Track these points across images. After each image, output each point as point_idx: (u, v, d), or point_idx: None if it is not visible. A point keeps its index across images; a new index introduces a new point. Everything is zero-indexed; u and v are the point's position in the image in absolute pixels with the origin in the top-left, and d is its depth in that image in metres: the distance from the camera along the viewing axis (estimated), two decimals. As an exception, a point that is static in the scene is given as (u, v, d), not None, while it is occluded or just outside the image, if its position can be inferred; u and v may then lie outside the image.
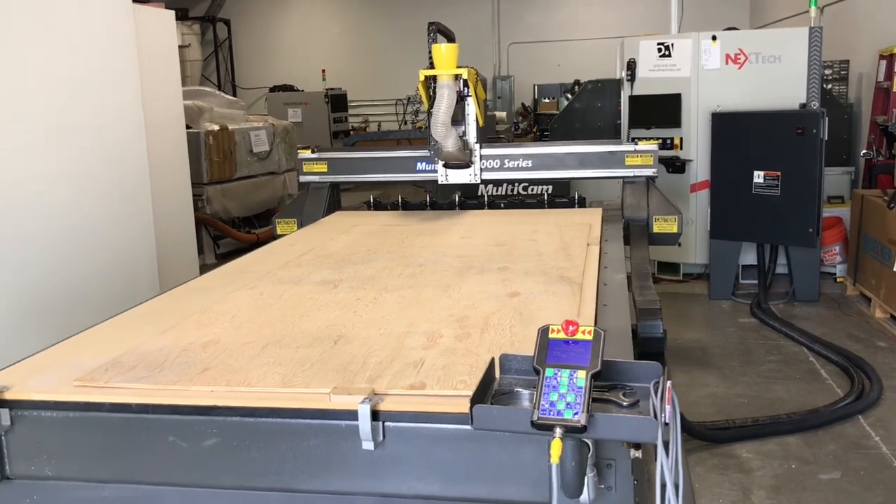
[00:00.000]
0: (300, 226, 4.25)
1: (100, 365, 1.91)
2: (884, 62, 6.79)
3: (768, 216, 5.47)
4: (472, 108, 4.11)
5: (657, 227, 4.07)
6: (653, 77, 6.04)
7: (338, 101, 14.20)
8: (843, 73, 7.61)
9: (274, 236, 4.40)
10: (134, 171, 4.50)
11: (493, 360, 1.40)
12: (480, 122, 4.23)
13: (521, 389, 1.30)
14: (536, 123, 12.95)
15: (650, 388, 1.23)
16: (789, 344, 4.78)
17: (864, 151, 6.48)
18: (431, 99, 3.97)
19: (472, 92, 4.03)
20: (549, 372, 1.21)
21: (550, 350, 1.26)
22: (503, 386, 1.34)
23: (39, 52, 3.93)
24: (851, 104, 7.46)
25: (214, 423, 1.69)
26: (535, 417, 1.20)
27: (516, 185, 6.27)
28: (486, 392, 1.31)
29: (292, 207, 4.62)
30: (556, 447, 1.18)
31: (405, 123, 16.13)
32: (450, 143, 3.99)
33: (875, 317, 5.21)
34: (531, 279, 2.59)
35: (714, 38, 5.85)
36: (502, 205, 4.38)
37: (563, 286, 2.49)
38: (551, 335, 1.28)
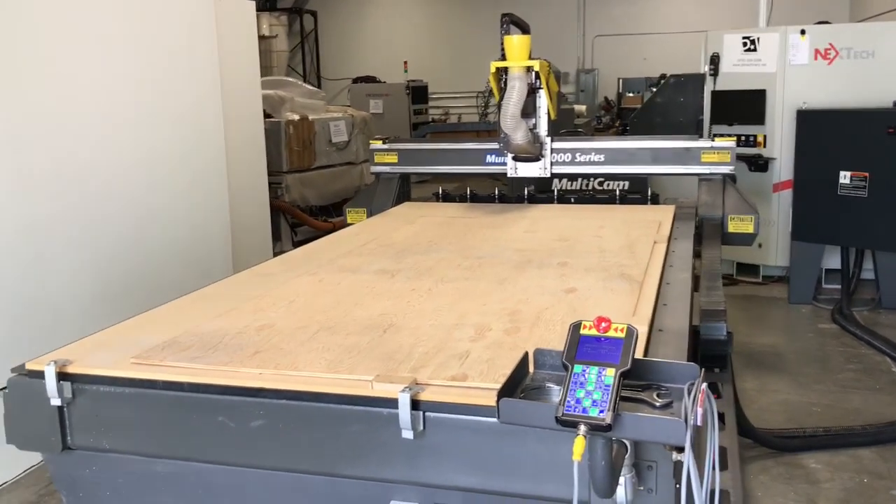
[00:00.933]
0: (370, 215, 4.30)
1: (157, 344, 1.97)
2: None
3: (854, 218, 5.23)
4: (543, 100, 4.07)
5: (732, 227, 3.95)
6: (737, 72, 5.85)
7: (418, 93, 14.28)
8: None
9: (345, 225, 4.47)
10: (211, 159, 4.63)
11: (526, 355, 1.38)
12: (552, 115, 4.18)
13: (551, 385, 1.28)
14: (620, 118, 12.73)
15: (685, 389, 1.19)
16: (871, 353, 4.57)
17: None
18: (502, 91, 3.95)
19: (543, 84, 3.99)
20: (577, 368, 1.19)
21: (581, 346, 1.23)
22: (535, 381, 1.32)
23: (121, 44, 4.08)
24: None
25: (261, 404, 1.73)
26: (559, 413, 1.18)
27: (591, 180, 6.17)
28: (517, 386, 1.29)
29: (363, 197, 4.67)
30: (579, 445, 1.16)
31: (485, 116, 16.10)
32: (519, 136, 3.96)
33: (967, 328, 4.94)
34: (590, 275, 2.55)
35: (803, 32, 5.63)
36: (572, 199, 4.32)
37: (622, 283, 2.44)
38: (583, 331, 1.25)
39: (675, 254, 2.99)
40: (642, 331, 2.00)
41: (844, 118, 5.30)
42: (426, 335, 1.98)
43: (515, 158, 4.20)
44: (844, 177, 5.22)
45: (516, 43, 3.88)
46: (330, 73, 17.10)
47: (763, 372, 4.40)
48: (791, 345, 4.82)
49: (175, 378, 1.79)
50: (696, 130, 7.06)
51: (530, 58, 3.90)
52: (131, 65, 4.10)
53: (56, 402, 1.83)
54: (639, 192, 4.98)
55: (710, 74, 5.98)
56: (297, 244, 8.34)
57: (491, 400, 1.59)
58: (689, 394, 1.16)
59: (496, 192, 4.45)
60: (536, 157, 4.14)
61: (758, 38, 5.75)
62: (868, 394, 4.07)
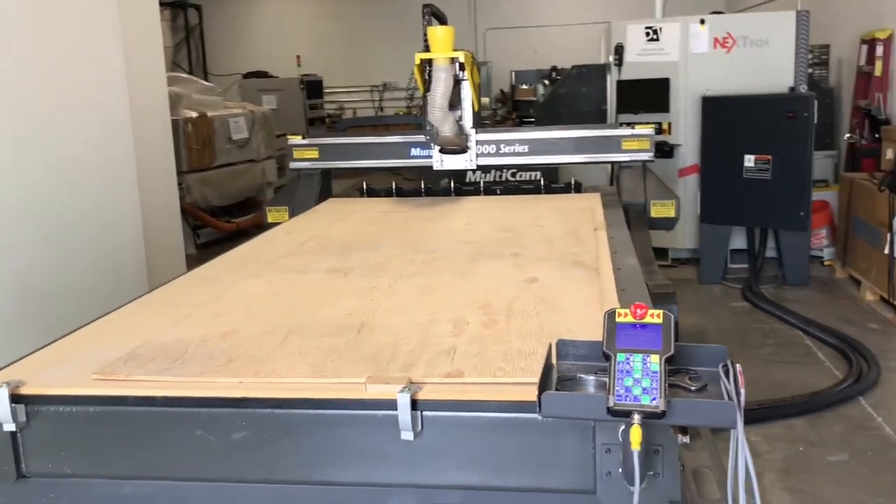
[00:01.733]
0: (292, 214, 4.17)
1: (116, 357, 1.84)
2: (865, 46, 6.84)
3: (759, 200, 5.48)
4: (467, 91, 4.06)
5: (655, 212, 4.05)
6: (640, 61, 6.02)
7: (313, 88, 14.04)
8: (823, 57, 7.66)
9: (263, 225, 4.33)
10: (119, 158, 4.38)
11: (550, 347, 1.36)
12: (476, 107, 4.18)
13: (583, 375, 1.26)
14: (515, 109, 12.90)
15: (719, 372, 1.20)
16: (784, 328, 4.80)
17: (847, 135, 6.53)
18: (427, 83, 3.91)
19: (468, 75, 3.98)
20: (620, 356, 1.18)
21: (619, 334, 1.22)
22: (563, 372, 1.30)
23: (20, 41, 3.79)
24: (832, 88, 7.51)
25: (244, 415, 1.63)
26: (610, 403, 1.16)
27: (505, 171, 6.22)
28: (549, 378, 1.26)
29: (283, 195, 4.54)
30: (637, 434, 1.14)
31: (381, 110, 16.02)
32: (447, 128, 3.94)
33: (865, 299, 5.26)
34: (546, 264, 2.55)
35: (702, 21, 5.84)
36: (498, 191, 4.34)
37: (579, 271, 2.46)
38: (619, 319, 1.24)
39: (615, 240, 3.03)
40: (617, 317, 2.01)
41: (747, 103, 5.53)
42: (404, 333, 1.93)
43: (442, 151, 4.16)
44: (749, 160, 5.45)
45: (441, 34, 3.84)
46: (217, 69, 16.56)
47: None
48: (710, 324, 5.01)
49: (147, 392, 1.67)
50: (599, 120, 7.23)
51: (454, 49, 3.88)
52: (33, 66, 3.82)
53: (10, 427, 1.67)
54: (553, 181, 5.05)
55: (615, 64, 6.12)
56: (200, 247, 8.06)
57: (491, 394, 1.57)
58: (728, 375, 1.16)
59: (422, 185, 4.42)
60: (463, 150, 4.13)
61: (660, 28, 5.93)
62: (788, 367, 4.27)
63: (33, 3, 3.85)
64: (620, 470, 1.47)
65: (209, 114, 7.91)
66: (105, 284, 4.10)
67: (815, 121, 5.32)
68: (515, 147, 4.25)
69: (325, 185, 4.52)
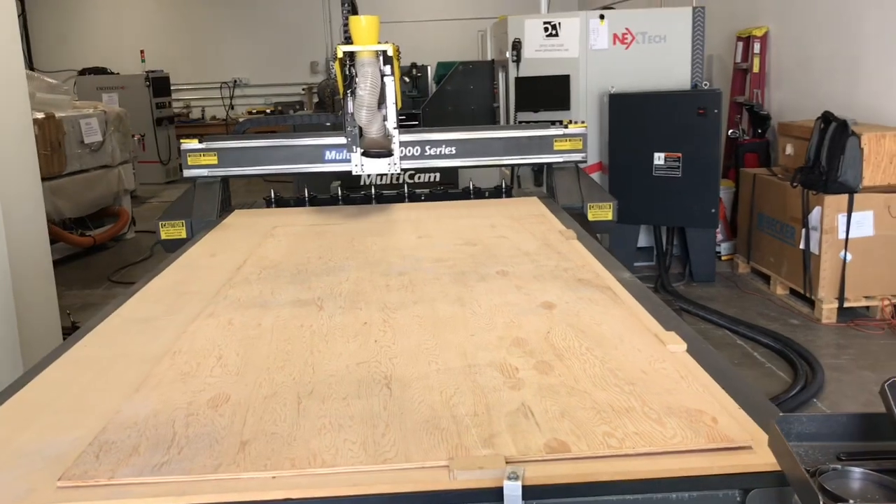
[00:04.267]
0: (190, 229, 3.65)
1: (80, 450, 1.36)
2: (741, 44, 7.01)
3: (670, 198, 5.44)
4: (392, 88, 3.67)
5: (592, 215, 3.85)
6: (539, 57, 5.83)
7: (160, 85, 13.02)
8: (696, 54, 7.80)
9: (159, 243, 3.78)
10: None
11: (773, 427, 1.04)
12: (398, 105, 3.81)
13: (839, 467, 0.95)
14: (379, 107, 12.51)
15: None
16: (709, 327, 4.74)
17: (731, 131, 6.65)
18: (348, 79, 3.50)
19: (395, 70, 3.61)
20: (931, 451, 0.88)
21: (913, 416, 0.92)
22: (810, 461, 0.97)
23: None
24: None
25: (286, 522, 1.22)
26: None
27: (403, 174, 5.87)
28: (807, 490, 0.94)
29: (178, 207, 3.97)
30: None
31: (232, 108, 15.16)
32: (374, 129, 3.55)
33: (777, 294, 5.31)
34: (548, 285, 2.24)
35: (602, 17, 5.73)
36: (422, 197, 4.00)
37: (592, 292, 2.17)
38: (905, 393, 0.94)
39: (592, 250, 2.77)
40: (681, 350, 1.74)
41: (655, 101, 5.47)
42: (449, 387, 1.56)
43: (365, 154, 3.76)
44: (659, 158, 5.39)
45: (365, 24, 3.44)
46: (46, 65, 15.06)
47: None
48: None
49: (147, 503, 1.21)
50: (490, 118, 7.02)
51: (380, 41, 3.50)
52: None
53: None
54: (452, 183, 4.77)
55: (513, 60, 5.90)
56: (54, 263, 7.15)
57: (613, 472, 1.24)
58: None
59: (338, 192, 4.01)
60: (390, 153, 3.74)
61: (559, 24, 5.77)
62: (732, 370, 4.19)
63: None
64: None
65: (57, 115, 7.02)
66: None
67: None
68: (442, 149, 3.93)
69: (225, 195, 4.02)
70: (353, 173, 3.87)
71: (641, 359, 1.67)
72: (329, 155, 3.91)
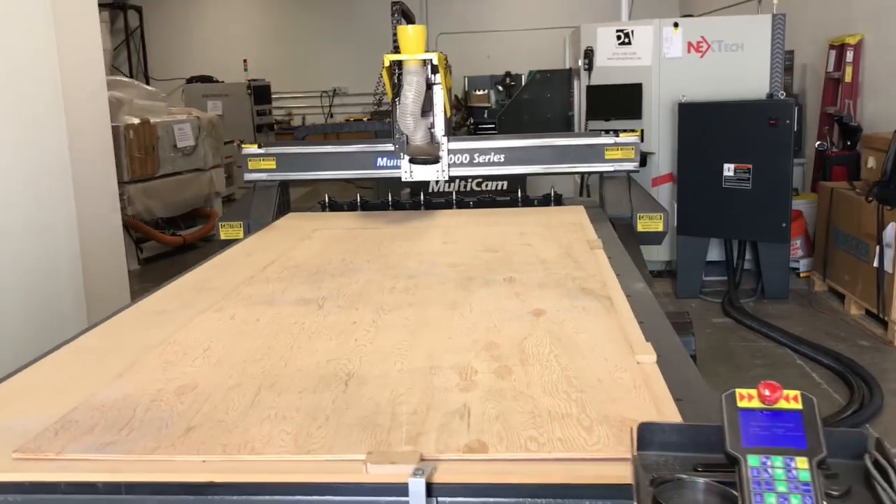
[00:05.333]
0: (247, 230, 3.81)
1: (45, 426, 1.47)
2: (833, 52, 6.72)
3: (740, 210, 5.27)
4: (440, 96, 3.74)
5: (642, 226, 3.79)
6: (612, 66, 5.77)
7: (261, 93, 13.54)
8: (788, 63, 7.52)
9: (215, 238, 3.96)
10: (53, 168, 3.94)
11: (632, 432, 1.03)
12: (448, 113, 3.87)
13: (685, 476, 0.94)
14: (470, 116, 12.64)
15: (867, 467, 0.90)
16: (772, 345, 4.57)
17: (818, 143, 6.38)
18: (396, 87, 3.58)
19: (442, 79, 3.67)
20: (752, 460, 0.86)
21: (745, 426, 0.90)
22: (651, 469, 0.98)
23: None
24: (797, 95, 7.39)
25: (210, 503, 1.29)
26: (753, 535, 0.84)
27: (469, 181, 5.92)
28: (640, 485, 0.94)
29: (237, 209, 4.16)
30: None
31: (331, 117, 15.59)
32: (419, 136, 3.62)
33: (850, 313, 5.07)
34: (549, 292, 2.24)
35: (676, 24, 5.62)
36: (471, 203, 4.03)
37: (589, 301, 2.15)
38: (741, 404, 0.93)
39: (615, 260, 2.74)
40: (651, 361, 1.71)
41: (726, 110, 5.32)
42: (403, 386, 1.59)
43: (412, 161, 3.83)
44: (728, 169, 5.24)
45: (412, 34, 3.52)
46: (159, 74, 15.93)
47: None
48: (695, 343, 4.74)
49: (84, 477, 1.30)
50: (565, 127, 6.98)
51: (426, 50, 3.56)
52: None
53: None
54: (517, 190, 4.76)
55: (585, 69, 5.86)
56: (143, 262, 7.57)
57: (525, 475, 1.25)
58: (884, 475, 0.86)
59: (389, 198, 4.09)
60: (436, 159, 3.80)
61: (632, 32, 5.69)
62: (783, 390, 4.02)
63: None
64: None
65: (152, 120, 7.43)
66: (36, 314, 3.67)
67: (796, 128, 5.14)
68: (490, 156, 3.95)
69: (284, 199, 4.17)
70: (403, 179, 3.96)
71: (603, 368, 1.66)
72: (381, 161, 4.00)
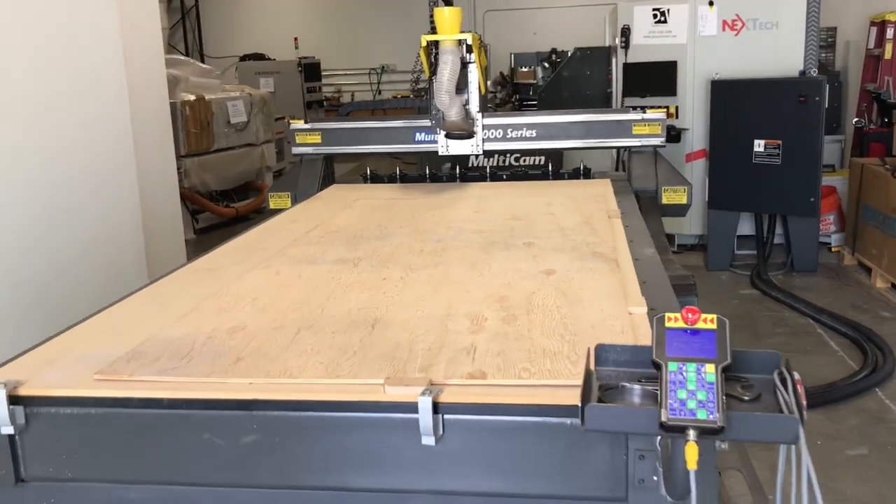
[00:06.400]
0: (294, 200, 4.08)
1: (119, 355, 1.75)
2: (875, 29, 6.73)
3: (769, 186, 5.39)
4: (475, 75, 3.96)
5: (666, 199, 3.97)
6: (647, 44, 5.90)
7: (311, 71, 13.87)
8: (830, 40, 7.55)
9: (263, 211, 4.24)
10: (116, 142, 4.26)
11: (589, 352, 1.27)
12: (482, 91, 4.08)
13: (627, 384, 1.17)
14: (515, 93, 12.77)
15: (774, 380, 1.11)
16: (794, 315, 4.72)
17: (855, 119, 6.43)
18: (433, 65, 3.81)
19: (476, 58, 3.88)
20: (672, 366, 1.09)
21: (670, 341, 1.13)
22: (602, 379, 1.21)
23: (10, 14, 3.66)
24: (839, 72, 7.41)
25: (254, 418, 1.55)
26: (664, 418, 1.07)
27: (508, 156, 6.12)
28: (590, 388, 1.18)
29: (285, 180, 4.45)
30: (693, 452, 1.05)
31: (379, 94, 15.86)
32: (454, 113, 3.85)
33: (876, 286, 5.18)
34: (563, 255, 2.46)
35: (711, 3, 5.72)
36: (504, 176, 4.24)
37: (598, 262, 2.37)
38: (668, 324, 1.15)
39: (631, 229, 2.94)
40: (642, 312, 1.93)
41: (756, 87, 5.43)
42: (421, 329, 1.84)
43: (448, 136, 4.06)
44: (759, 145, 5.36)
45: (448, 15, 3.74)
46: (214, 52, 16.37)
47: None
48: (718, 312, 4.87)
49: (151, 394, 1.58)
50: (604, 103, 7.12)
51: (461, 31, 3.78)
52: (26, 48, 3.69)
53: (8, 430, 1.59)
54: (557, 165, 4.92)
55: (622, 47, 6.00)
56: (198, 232, 7.96)
57: (517, 397, 1.49)
58: (785, 385, 1.08)
59: (427, 170, 4.32)
60: (470, 135, 4.03)
61: (667, 10, 5.81)
62: (801, 357, 4.19)
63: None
64: (655, 478, 1.39)
65: (207, 97, 7.78)
66: (103, 271, 4.01)
67: (827, 105, 5.23)
68: (523, 132, 4.16)
69: (328, 171, 4.43)
70: (439, 153, 4.19)
71: (598, 316, 1.88)
72: (419, 136, 4.23)
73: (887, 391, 3.72)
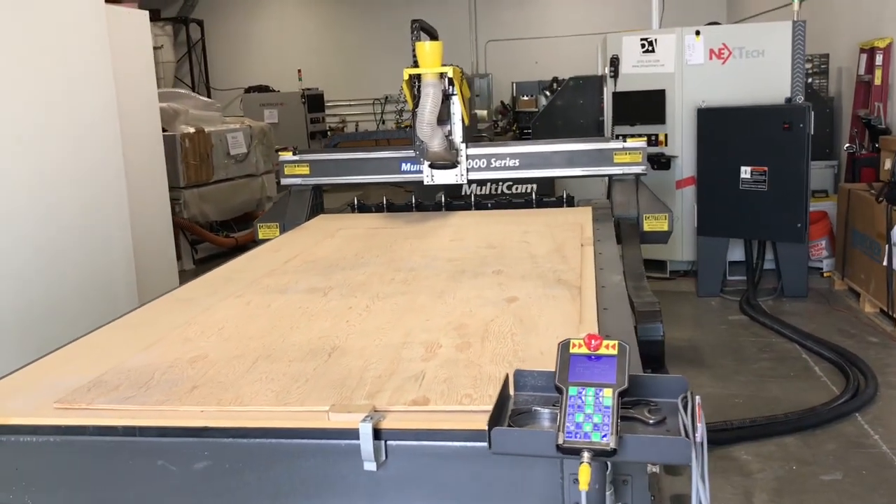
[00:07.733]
0: (283, 230, 4.15)
1: (81, 384, 1.80)
2: (864, 55, 6.79)
3: (756, 212, 5.43)
4: (457, 106, 4.03)
5: (647, 226, 4.01)
6: (636, 73, 5.98)
7: (315, 102, 14.06)
8: (823, 66, 7.61)
9: (255, 241, 4.30)
10: (109, 176, 4.36)
11: (507, 378, 1.31)
12: (466, 121, 4.15)
13: (539, 408, 1.22)
14: (516, 121, 12.89)
15: (678, 404, 1.16)
16: (781, 341, 4.73)
17: (847, 145, 6.47)
18: (416, 98, 3.88)
19: (457, 90, 3.95)
20: (572, 390, 1.13)
21: (573, 366, 1.17)
22: (519, 404, 1.25)
23: (6, 54, 3.79)
24: (832, 98, 7.46)
25: (206, 444, 1.60)
26: (560, 441, 1.11)
27: (500, 184, 6.20)
28: (503, 412, 1.22)
29: (274, 211, 4.51)
30: (585, 473, 1.09)
31: (383, 123, 16.03)
32: (436, 143, 3.91)
33: (864, 311, 5.19)
34: (528, 283, 2.51)
35: (697, 32, 5.80)
36: (489, 205, 4.30)
37: (561, 290, 2.41)
38: (573, 350, 1.20)
39: (603, 256, 2.99)
40: (594, 339, 1.97)
41: (742, 115, 5.49)
42: (375, 357, 1.89)
43: (432, 166, 4.13)
44: (745, 171, 5.40)
45: (429, 49, 3.81)
46: (220, 83, 16.62)
47: (683, 366, 4.49)
48: (705, 338, 4.95)
49: (106, 422, 1.63)
50: (597, 132, 7.19)
51: (443, 64, 3.85)
52: (20, 84, 3.81)
53: (-31, 457, 1.64)
54: (549, 194, 4.98)
55: (611, 76, 6.08)
56: (198, 262, 8.04)
57: (457, 423, 1.53)
58: (685, 409, 1.12)
59: (413, 200, 4.38)
60: (453, 164, 4.10)
61: (655, 40, 5.89)
62: (784, 382, 4.21)
63: (24, 28, 3.84)
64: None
65: (207, 129, 7.90)
66: (92, 304, 4.08)
67: (812, 131, 5.27)
68: (506, 161, 4.22)
69: (317, 201, 4.49)
70: (424, 183, 4.26)
71: (549, 343, 1.92)
72: (405, 166, 4.30)
73: (867, 416, 3.72)
